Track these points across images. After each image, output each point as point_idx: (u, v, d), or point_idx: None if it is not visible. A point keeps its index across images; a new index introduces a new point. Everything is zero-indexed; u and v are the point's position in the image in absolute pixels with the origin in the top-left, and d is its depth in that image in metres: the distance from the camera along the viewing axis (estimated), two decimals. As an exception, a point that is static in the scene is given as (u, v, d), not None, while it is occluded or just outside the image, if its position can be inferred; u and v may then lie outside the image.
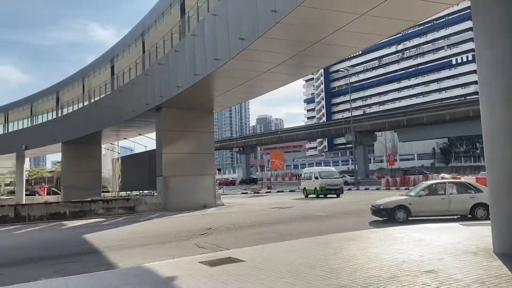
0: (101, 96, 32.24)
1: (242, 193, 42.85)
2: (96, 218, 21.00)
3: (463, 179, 24.38)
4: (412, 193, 14.87)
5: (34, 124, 43.12)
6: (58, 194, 51.55)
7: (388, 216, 14.30)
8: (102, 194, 38.74)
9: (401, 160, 76.96)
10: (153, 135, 33.66)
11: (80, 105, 36.20)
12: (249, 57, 16.14)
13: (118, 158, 41.54)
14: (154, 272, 7.55)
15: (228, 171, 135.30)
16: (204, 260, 8.20)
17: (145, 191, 33.10)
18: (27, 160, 59.30)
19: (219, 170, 76.82)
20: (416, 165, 74.98)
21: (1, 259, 10.63)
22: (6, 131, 47.09)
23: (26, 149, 42.34)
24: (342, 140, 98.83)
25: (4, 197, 50.32)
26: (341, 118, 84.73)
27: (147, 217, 20.29)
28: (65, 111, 38.82)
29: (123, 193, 40.16)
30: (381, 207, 14.57)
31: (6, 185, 78.68)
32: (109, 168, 59.59)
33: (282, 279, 6.47)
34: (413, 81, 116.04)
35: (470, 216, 13.91)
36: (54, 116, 39.68)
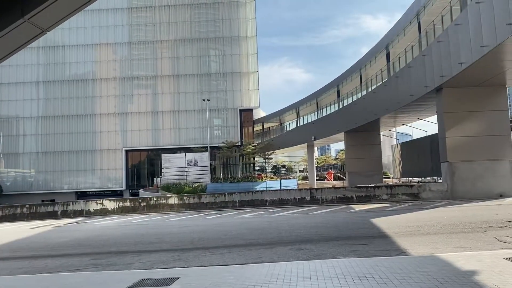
0: (378, 84, 32.80)
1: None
2: (380, 203, 21.64)
3: None
4: None
5: (320, 116, 47.93)
6: (343, 179, 55.81)
7: None
8: (384, 180, 39.52)
9: None
10: (433, 118, 31.97)
11: (359, 95, 37.93)
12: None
13: (397, 144, 41.49)
14: (450, 263, 7.12)
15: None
16: (510, 257, 7.19)
17: (427, 178, 31.88)
18: (315, 149, 66.52)
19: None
20: None
21: (305, 236, 12.28)
22: (298, 125, 54.24)
23: (315, 139, 47.54)
24: None
25: (299, 181, 58.08)
26: None
27: (433, 205, 19.44)
28: (345, 103, 41.52)
29: (403, 179, 39.93)
30: None
31: (300, 171, 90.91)
32: (387, 154, 60.36)
33: None
34: None
35: None
36: (336, 108, 42.99)
